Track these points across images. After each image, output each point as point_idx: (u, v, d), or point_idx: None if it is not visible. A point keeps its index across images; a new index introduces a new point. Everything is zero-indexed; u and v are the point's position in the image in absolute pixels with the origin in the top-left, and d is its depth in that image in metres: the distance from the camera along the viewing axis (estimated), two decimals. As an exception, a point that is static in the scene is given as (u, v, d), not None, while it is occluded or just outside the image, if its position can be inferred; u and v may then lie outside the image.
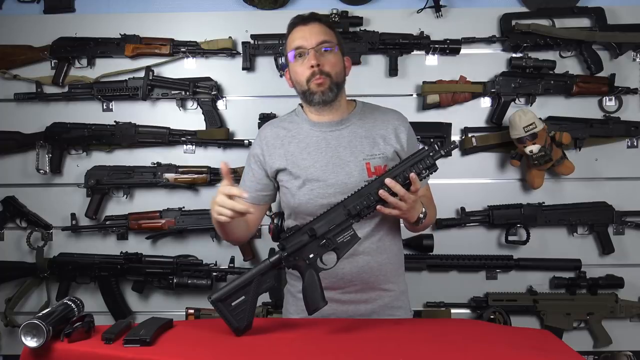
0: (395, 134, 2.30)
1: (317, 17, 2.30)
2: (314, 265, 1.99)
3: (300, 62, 2.23)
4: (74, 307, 1.86)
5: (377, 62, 3.46)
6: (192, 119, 3.48)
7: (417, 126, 3.27)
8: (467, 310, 3.50)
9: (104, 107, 3.49)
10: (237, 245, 2.27)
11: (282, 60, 3.39)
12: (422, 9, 3.42)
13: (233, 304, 1.92)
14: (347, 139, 2.27)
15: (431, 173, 2.04)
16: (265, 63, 3.47)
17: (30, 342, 1.67)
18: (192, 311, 3.38)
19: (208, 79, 3.43)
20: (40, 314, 1.74)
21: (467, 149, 3.42)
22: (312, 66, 2.19)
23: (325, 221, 2.00)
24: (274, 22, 3.43)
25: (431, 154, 2.00)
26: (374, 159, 2.23)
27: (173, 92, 3.43)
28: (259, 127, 3.28)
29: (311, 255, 1.99)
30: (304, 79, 2.23)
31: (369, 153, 2.24)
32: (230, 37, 3.44)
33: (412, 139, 2.36)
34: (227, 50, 3.43)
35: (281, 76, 3.42)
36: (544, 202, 3.44)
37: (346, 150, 2.24)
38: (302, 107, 2.38)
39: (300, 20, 2.27)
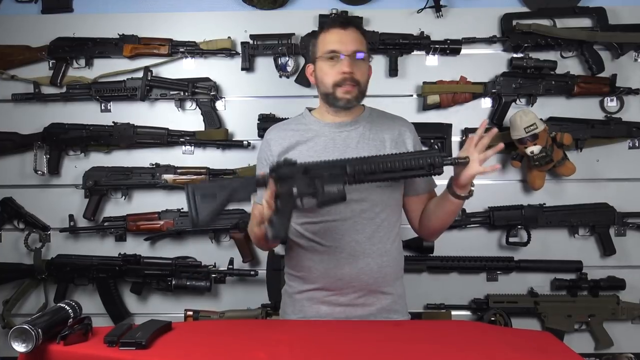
0: (401, 139, 2.33)
1: (356, 23, 2.32)
2: (294, 200, 1.99)
3: (332, 64, 2.23)
4: (68, 309, 1.85)
5: (377, 63, 3.44)
6: (190, 119, 3.48)
7: (417, 127, 3.24)
8: (468, 312, 3.49)
9: (102, 107, 3.49)
10: (269, 248, 2.28)
11: (281, 60, 3.39)
12: (422, 9, 3.41)
13: (203, 196, 1.98)
14: (355, 140, 2.28)
15: (434, 174, 2.05)
16: (264, 63, 3.47)
17: (20, 347, 1.67)
18: (190, 313, 3.38)
19: (207, 79, 3.43)
20: (30, 319, 1.73)
21: (467, 150, 3.41)
22: (344, 72, 2.21)
23: (323, 167, 2.01)
24: (274, 22, 3.44)
25: (443, 156, 2.03)
26: None
27: (172, 92, 3.43)
28: (258, 128, 3.32)
29: (295, 190, 1.98)
30: (331, 81, 2.24)
31: (376, 155, 2.23)
32: (229, 37, 3.43)
33: (417, 145, 2.38)
34: (226, 50, 3.42)
35: (280, 77, 3.43)
36: (545, 203, 3.43)
37: (353, 152, 2.23)
38: (309, 110, 2.41)
39: (339, 23, 2.27)
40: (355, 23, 2.30)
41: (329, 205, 2.04)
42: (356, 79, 2.22)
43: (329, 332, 1.97)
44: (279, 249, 3.32)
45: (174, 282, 3.36)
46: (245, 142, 3.40)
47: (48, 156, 3.45)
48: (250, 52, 3.42)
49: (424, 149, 2.33)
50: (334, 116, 2.32)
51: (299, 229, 2.30)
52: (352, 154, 2.18)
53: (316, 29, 3.36)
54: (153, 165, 3.43)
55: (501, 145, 2.14)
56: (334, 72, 2.22)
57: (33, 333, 1.66)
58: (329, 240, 2.23)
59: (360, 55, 2.23)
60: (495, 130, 2.08)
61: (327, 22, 2.34)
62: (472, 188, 2.15)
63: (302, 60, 3.43)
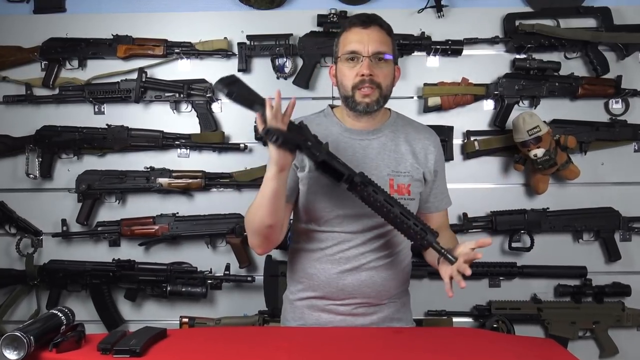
0: (424, 154, 2.30)
1: (379, 21, 2.24)
2: (305, 142, 1.99)
3: (351, 65, 2.18)
4: (61, 316, 1.85)
5: (376, 64, 3.45)
6: (186, 122, 3.48)
7: (418, 130, 3.28)
8: (470, 319, 3.50)
9: (96, 109, 3.49)
10: (264, 252, 2.24)
11: (279, 61, 3.39)
12: (423, 9, 3.42)
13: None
14: (376, 151, 2.25)
15: (417, 245, 2.06)
16: (261, 64, 3.47)
17: (11, 355, 1.66)
18: (186, 320, 3.37)
19: (203, 80, 3.43)
20: (22, 326, 1.73)
21: (469, 153, 3.42)
22: (362, 74, 2.15)
23: (338, 162, 2.01)
24: (271, 22, 3.44)
25: (435, 243, 2.01)
26: (399, 177, 2.23)
27: (167, 94, 3.43)
28: (255, 130, 3.30)
29: (309, 143, 1.99)
30: (350, 84, 2.19)
31: (395, 169, 2.23)
32: (225, 37, 3.44)
33: (440, 162, 2.35)
34: (222, 51, 3.42)
35: (278, 78, 3.43)
36: (548, 208, 3.43)
37: (372, 163, 2.22)
38: (331, 108, 2.37)
39: (360, 22, 2.21)
40: (379, 21, 2.23)
41: (325, 171, 2.00)
42: (377, 82, 2.17)
43: (329, 340, 1.98)
44: (277, 254, 3.33)
45: (169, 288, 3.35)
46: (242, 145, 3.40)
47: (40, 159, 3.44)
48: (247, 53, 3.42)
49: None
50: (355, 121, 2.27)
51: (305, 236, 2.29)
52: (371, 165, 2.19)
53: (314, 29, 3.39)
54: (148, 168, 3.43)
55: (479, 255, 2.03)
56: (353, 74, 2.17)
57: (25, 340, 1.66)
58: (335, 250, 2.23)
59: (385, 56, 2.18)
60: (480, 255, 2.03)
61: (349, 20, 2.27)
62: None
63: (300, 62, 3.43)
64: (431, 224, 2.12)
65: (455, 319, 3.46)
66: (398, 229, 2.04)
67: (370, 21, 2.21)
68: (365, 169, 2.10)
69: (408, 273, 2.39)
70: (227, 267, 3.38)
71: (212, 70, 3.47)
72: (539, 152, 3.18)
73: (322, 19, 3.37)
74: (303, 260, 2.30)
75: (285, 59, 3.42)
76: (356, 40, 2.18)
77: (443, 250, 1.99)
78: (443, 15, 3.42)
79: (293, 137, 1.96)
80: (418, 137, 2.33)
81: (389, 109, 2.38)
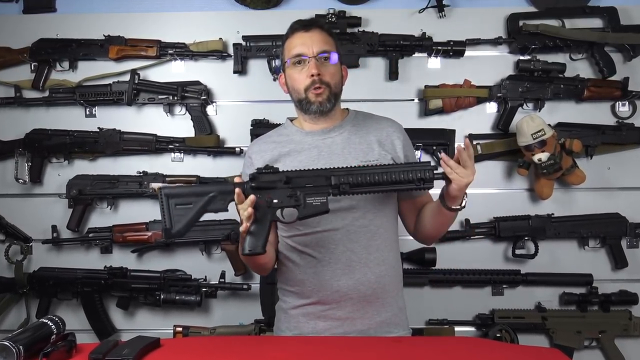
0: (390, 141, 2.33)
1: (319, 23, 2.34)
2: (273, 211, 2.04)
3: (299, 69, 2.25)
4: (51, 325, 1.86)
5: (376, 65, 3.46)
6: (180, 125, 3.49)
7: (418, 133, 3.30)
8: (472, 328, 3.50)
9: (87, 112, 3.50)
10: (267, 271, 2.31)
11: (275, 62, 3.40)
12: (424, 9, 3.43)
13: (178, 205, 2.00)
14: (341, 146, 2.29)
15: (424, 188, 2.07)
16: (257, 66, 3.48)
17: None
18: (180, 329, 3.37)
19: (197, 82, 3.44)
20: (11, 335, 1.73)
21: (472, 157, 3.41)
22: (312, 75, 2.21)
23: (306, 178, 2.05)
24: (267, 22, 3.45)
25: (433, 169, 2.04)
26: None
27: (160, 96, 3.44)
28: (251, 134, 3.32)
29: (275, 201, 2.03)
30: (302, 87, 2.25)
31: (364, 159, 2.25)
32: (220, 38, 3.45)
33: (408, 147, 2.38)
34: (217, 52, 3.43)
35: (275, 80, 3.42)
36: (553, 214, 3.44)
37: (339, 157, 2.25)
38: (290, 120, 2.43)
39: (301, 26, 2.29)
40: (319, 23, 2.33)
41: (310, 217, 2.07)
42: (325, 81, 2.24)
43: (327, 349, 1.98)
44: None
45: (162, 297, 3.36)
46: (237, 149, 3.41)
47: (30, 164, 3.45)
48: (243, 54, 3.43)
49: (418, 155, 2.33)
50: (314, 124, 2.33)
51: (289, 242, 2.31)
52: (339, 161, 2.21)
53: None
54: (140, 173, 3.44)
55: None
56: (303, 77, 2.24)
57: (14, 350, 1.67)
58: (323, 251, 2.24)
59: (331, 54, 2.25)
60: (467, 141, 2.07)
61: (290, 27, 2.33)
62: (465, 199, 2.15)
63: (297, 63, 3.43)
64: (415, 205, 2.36)
65: (457, 328, 3.46)
66: (399, 191, 2.15)
67: (311, 24, 2.30)
68: (333, 163, 2.15)
69: (400, 272, 2.40)
70: (222, 275, 3.38)
71: (207, 72, 3.49)
72: (543, 156, 3.18)
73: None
74: (292, 268, 2.32)
75: (282, 61, 3.43)
76: (300, 43, 2.25)
77: (444, 174, 2.06)
78: (445, 15, 3.44)
79: (265, 231, 2.04)
80: (380, 126, 2.37)
81: (347, 109, 2.43)
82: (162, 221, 2.01)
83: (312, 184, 2.03)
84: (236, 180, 2.06)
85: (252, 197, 1.98)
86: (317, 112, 2.26)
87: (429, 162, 2.06)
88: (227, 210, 2.05)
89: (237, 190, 1.99)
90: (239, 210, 2.01)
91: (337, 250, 2.23)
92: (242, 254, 2.09)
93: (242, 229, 2.01)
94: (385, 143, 2.32)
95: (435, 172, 2.04)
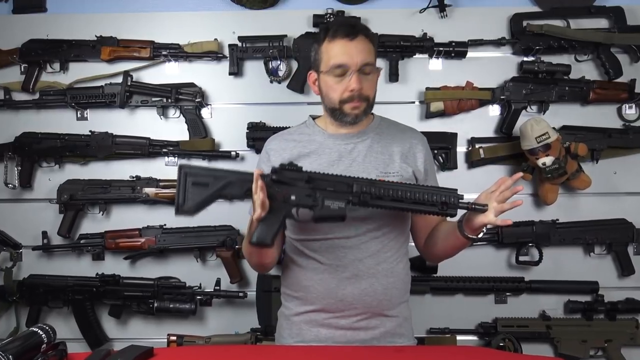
0: (412, 154, 2.32)
1: (363, 30, 2.25)
2: (289, 207, 2.04)
3: (338, 79, 2.20)
4: (42, 334, 1.85)
5: (376, 67, 3.46)
6: (174, 128, 3.49)
7: (419, 136, 3.27)
8: (475, 337, 3.50)
9: (78, 115, 3.49)
10: (266, 270, 2.31)
11: (272, 64, 3.40)
12: (425, 9, 3.42)
13: (195, 183, 2.04)
14: (363, 154, 2.28)
15: (446, 215, 2.06)
16: (254, 67, 3.48)
17: None
18: (174, 338, 3.37)
19: (192, 84, 3.44)
20: (0, 344, 1.72)
21: (474, 162, 3.42)
22: (352, 90, 2.18)
23: (328, 180, 2.05)
24: (264, 22, 3.45)
25: (459, 197, 2.03)
26: (388, 177, 2.23)
27: (153, 99, 3.44)
28: (247, 138, 3.32)
29: (293, 197, 2.03)
30: (338, 97, 2.21)
31: (383, 170, 2.25)
32: (216, 39, 3.44)
33: (429, 160, 2.38)
34: (212, 53, 3.43)
35: (271, 82, 3.43)
36: (558, 219, 3.44)
37: (360, 166, 2.24)
38: (313, 119, 2.40)
39: (344, 34, 2.20)
40: (363, 31, 2.24)
41: (325, 222, 2.08)
42: (365, 95, 2.21)
43: (329, 359, 1.97)
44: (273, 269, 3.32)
45: (156, 305, 3.35)
46: (233, 153, 3.40)
47: (19, 168, 3.45)
48: (239, 55, 3.42)
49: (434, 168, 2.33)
50: (339, 128, 2.31)
51: (297, 245, 2.31)
52: (358, 169, 2.21)
53: (310, 30, 3.38)
54: (133, 177, 3.43)
55: (519, 202, 2.05)
56: (341, 89, 2.20)
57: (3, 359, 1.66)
58: (331, 258, 2.23)
59: (369, 69, 2.21)
60: (521, 188, 2.05)
61: (331, 27, 2.25)
62: (484, 230, 2.13)
63: (294, 64, 3.43)
64: (428, 222, 2.32)
65: (459, 337, 3.45)
66: (420, 212, 2.10)
67: (355, 32, 2.22)
68: (353, 171, 2.14)
69: (408, 284, 2.40)
70: (218, 282, 3.38)
71: (202, 74, 3.48)
72: (547, 160, 3.18)
73: (318, 20, 3.37)
74: (298, 272, 2.32)
75: (279, 62, 3.43)
76: (342, 52, 2.19)
77: (472, 205, 2.03)
78: (446, 16, 3.43)
79: (277, 225, 2.05)
80: (404, 137, 2.36)
81: (372, 113, 2.40)
82: (176, 196, 2.03)
83: (333, 189, 2.04)
84: (256, 172, 2.05)
85: (260, 182, 1.97)
86: (351, 123, 2.26)
87: (456, 189, 2.04)
88: (242, 198, 2.07)
89: (256, 172, 1.99)
90: (254, 198, 2.00)
91: (345, 258, 2.23)
92: (250, 242, 2.08)
93: (255, 216, 2.00)
94: (408, 155, 2.31)
95: (460, 200, 2.02)
